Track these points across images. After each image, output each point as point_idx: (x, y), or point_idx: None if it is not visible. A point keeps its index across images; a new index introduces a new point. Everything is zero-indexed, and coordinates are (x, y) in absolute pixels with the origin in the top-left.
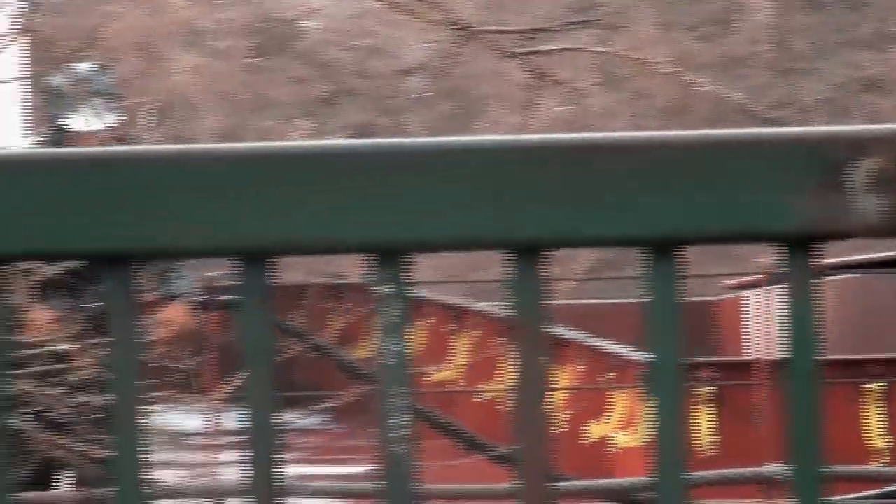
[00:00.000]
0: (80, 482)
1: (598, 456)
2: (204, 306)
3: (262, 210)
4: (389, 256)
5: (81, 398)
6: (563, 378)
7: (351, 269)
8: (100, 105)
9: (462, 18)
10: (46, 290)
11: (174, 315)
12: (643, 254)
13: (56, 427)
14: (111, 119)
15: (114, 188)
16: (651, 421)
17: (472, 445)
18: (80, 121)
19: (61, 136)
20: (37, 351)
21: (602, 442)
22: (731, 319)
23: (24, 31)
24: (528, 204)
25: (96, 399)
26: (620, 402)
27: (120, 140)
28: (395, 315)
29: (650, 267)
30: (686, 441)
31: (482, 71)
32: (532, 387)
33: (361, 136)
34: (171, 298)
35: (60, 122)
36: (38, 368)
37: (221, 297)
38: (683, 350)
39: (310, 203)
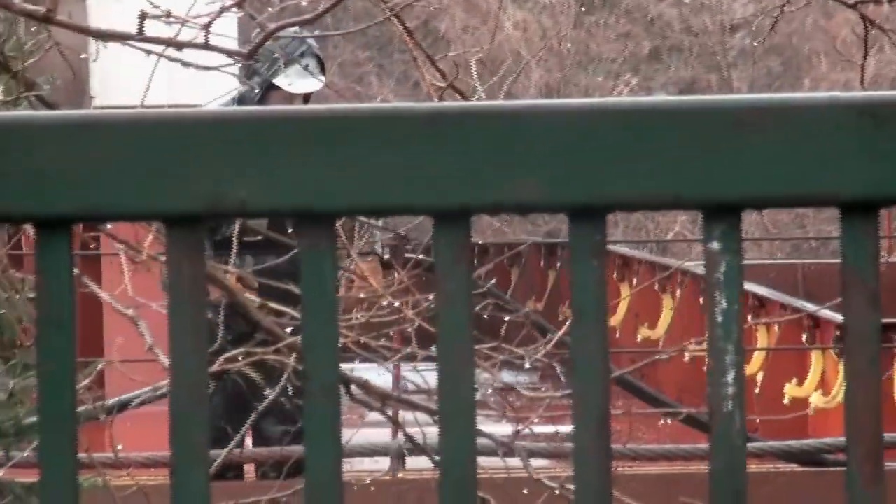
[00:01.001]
0: None
1: (795, 417)
2: (390, 265)
3: (597, 163)
4: (722, 212)
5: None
6: (763, 338)
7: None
8: (305, 68)
9: None
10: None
11: (364, 272)
12: None
13: None
14: (314, 83)
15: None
16: None
17: (660, 405)
18: (285, 82)
19: (266, 95)
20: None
21: (800, 403)
22: None
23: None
24: (863, 161)
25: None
26: (818, 363)
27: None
28: (725, 272)
29: None
30: None
31: (809, 27)
32: (867, 347)
33: (685, 92)
34: (360, 256)
35: (266, 81)
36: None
37: (411, 256)
38: None
39: (650, 158)
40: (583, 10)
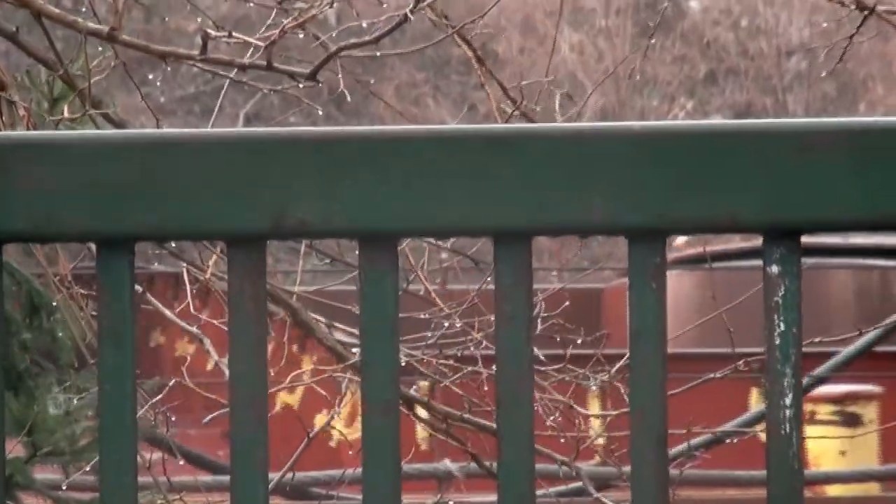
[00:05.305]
0: None
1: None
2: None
3: (659, 186)
4: (782, 236)
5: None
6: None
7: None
8: None
9: None
10: None
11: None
12: None
13: None
14: None
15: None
16: None
17: None
18: None
19: None
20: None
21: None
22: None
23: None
24: None
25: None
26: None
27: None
28: (784, 295)
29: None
30: None
31: (865, 52)
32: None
33: (741, 116)
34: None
35: None
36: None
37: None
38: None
39: (711, 181)
40: (651, 34)
